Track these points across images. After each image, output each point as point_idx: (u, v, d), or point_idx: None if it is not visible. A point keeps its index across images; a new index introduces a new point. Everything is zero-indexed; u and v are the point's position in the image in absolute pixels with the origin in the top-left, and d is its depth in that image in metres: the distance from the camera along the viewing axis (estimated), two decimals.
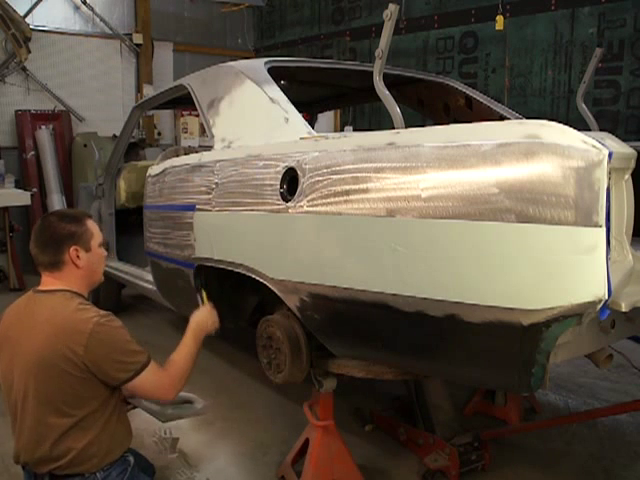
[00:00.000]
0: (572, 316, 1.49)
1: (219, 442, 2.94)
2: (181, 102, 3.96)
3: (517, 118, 3.40)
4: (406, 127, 1.91)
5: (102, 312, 1.86)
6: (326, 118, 6.62)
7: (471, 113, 3.61)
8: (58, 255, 1.90)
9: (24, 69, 6.66)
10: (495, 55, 5.58)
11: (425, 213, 1.65)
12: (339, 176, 1.90)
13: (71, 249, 1.90)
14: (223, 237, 2.56)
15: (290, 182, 2.12)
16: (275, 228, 2.20)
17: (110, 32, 7.25)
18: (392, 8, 1.89)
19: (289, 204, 2.09)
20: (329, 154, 1.98)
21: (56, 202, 6.53)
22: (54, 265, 1.91)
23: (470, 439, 2.59)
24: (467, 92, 3.61)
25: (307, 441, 2.47)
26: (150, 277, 3.53)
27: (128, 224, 4.63)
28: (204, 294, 2.13)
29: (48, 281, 1.93)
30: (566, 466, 2.74)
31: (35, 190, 6.47)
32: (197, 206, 2.69)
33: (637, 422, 3.10)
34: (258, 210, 2.26)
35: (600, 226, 1.42)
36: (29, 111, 6.66)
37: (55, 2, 6.87)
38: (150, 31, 7.50)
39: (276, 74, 2.76)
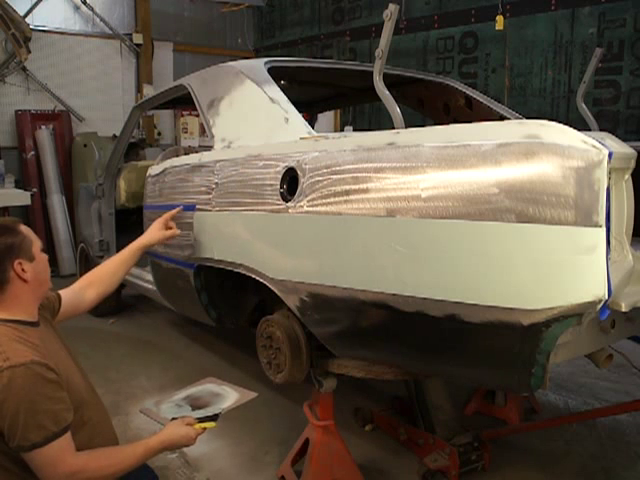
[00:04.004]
0: (572, 316, 1.49)
1: (219, 442, 2.94)
2: (181, 102, 3.96)
3: (517, 118, 3.40)
4: (406, 127, 1.91)
5: (19, 359, 1.52)
6: (326, 118, 6.61)
7: (471, 113, 3.61)
8: (1, 274, 1.63)
9: (24, 69, 6.65)
10: (495, 55, 5.57)
11: (425, 213, 1.65)
12: (339, 176, 1.90)
13: (15, 263, 1.65)
14: (223, 237, 2.56)
15: (290, 182, 2.13)
16: (275, 228, 2.20)
17: (110, 32, 7.24)
18: (392, 8, 1.89)
19: (289, 204, 2.09)
20: (329, 154, 1.98)
21: (56, 202, 6.53)
22: None
23: (470, 439, 2.59)
24: (467, 92, 3.60)
25: (307, 441, 2.47)
26: (150, 277, 3.52)
27: (128, 224, 4.63)
28: (204, 425, 1.87)
29: None
30: (566, 466, 2.74)
31: (35, 190, 6.45)
32: (197, 206, 2.69)
33: (637, 422, 3.10)
34: (258, 210, 2.26)
35: (600, 226, 1.42)
36: (29, 111, 6.65)
37: (55, 2, 6.85)
38: (150, 31, 7.49)
39: (276, 74, 2.76)
